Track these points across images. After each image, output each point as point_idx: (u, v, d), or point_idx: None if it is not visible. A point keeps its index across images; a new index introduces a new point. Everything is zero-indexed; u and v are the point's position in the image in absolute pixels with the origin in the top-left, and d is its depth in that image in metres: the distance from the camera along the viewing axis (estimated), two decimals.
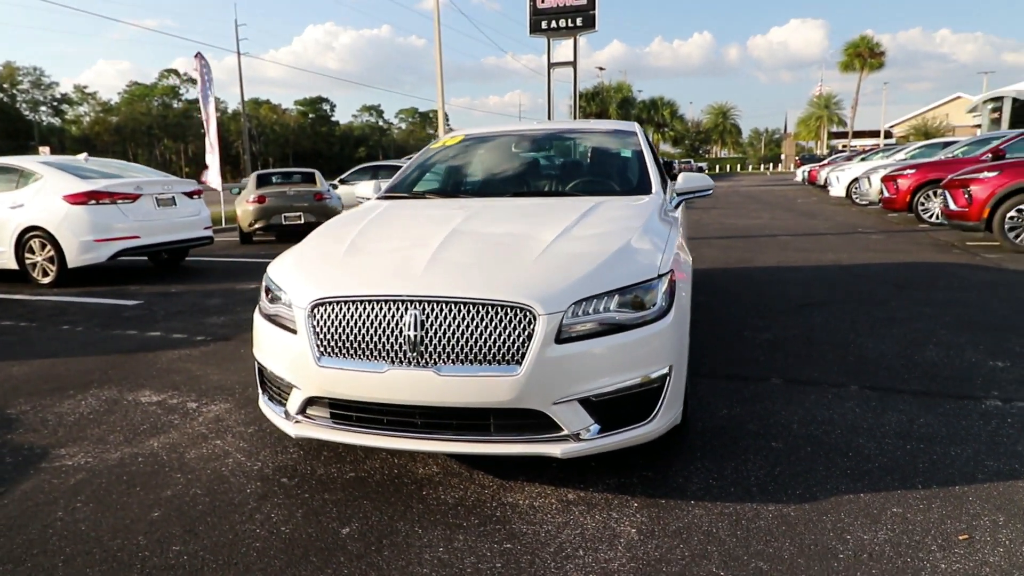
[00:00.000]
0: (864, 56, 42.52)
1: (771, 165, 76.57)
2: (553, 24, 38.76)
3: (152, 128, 73.39)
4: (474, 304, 2.31)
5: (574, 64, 39.57)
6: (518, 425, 2.36)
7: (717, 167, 74.74)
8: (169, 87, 79.65)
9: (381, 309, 2.38)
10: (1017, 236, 7.98)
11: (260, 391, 2.89)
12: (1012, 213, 7.97)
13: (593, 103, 41.02)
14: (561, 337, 2.29)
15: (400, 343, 2.34)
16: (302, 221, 11.70)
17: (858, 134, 58.48)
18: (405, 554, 2.18)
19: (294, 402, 2.59)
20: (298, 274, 2.70)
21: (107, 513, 2.49)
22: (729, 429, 3.06)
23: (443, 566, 2.11)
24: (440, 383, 2.30)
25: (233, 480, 2.72)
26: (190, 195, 8.59)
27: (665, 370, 2.46)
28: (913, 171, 11.84)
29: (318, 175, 12.99)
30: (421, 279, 2.42)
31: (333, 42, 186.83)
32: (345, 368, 2.40)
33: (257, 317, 2.83)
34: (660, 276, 2.51)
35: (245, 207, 11.79)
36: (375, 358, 2.37)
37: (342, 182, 15.35)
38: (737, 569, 2.05)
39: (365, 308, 2.40)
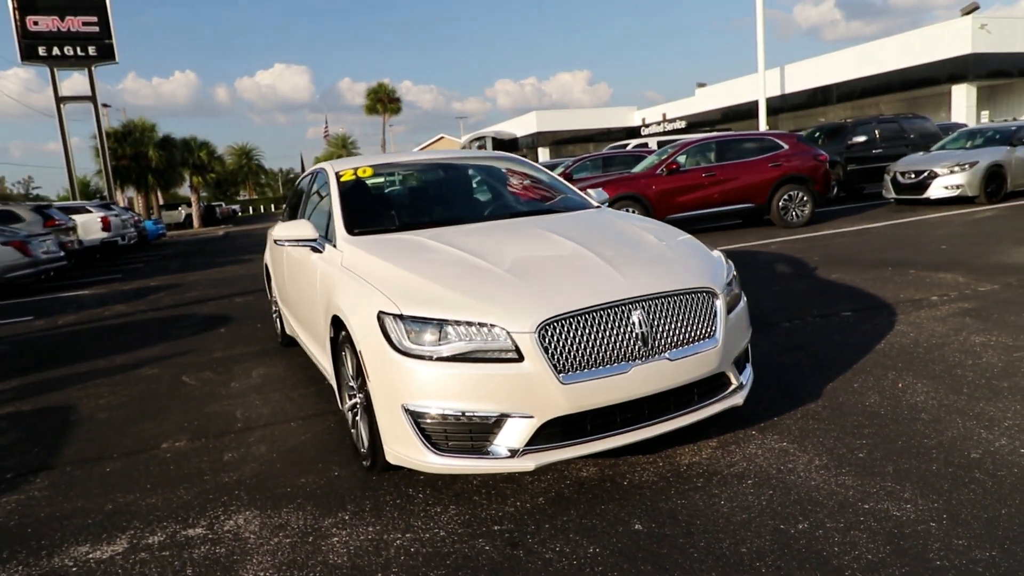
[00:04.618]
0: (384, 101, 48.50)
1: None
2: (56, 52, 32.63)
3: None
4: (679, 294, 2.73)
5: (94, 99, 34.13)
6: (707, 390, 2.86)
7: (251, 208, 70.90)
8: None
9: (612, 315, 2.57)
10: None
11: (430, 451, 2.56)
12: None
13: (126, 143, 35.99)
14: (727, 310, 2.89)
15: (633, 340, 2.58)
16: None
17: None
18: (713, 516, 2.48)
19: (518, 434, 2.50)
20: (483, 302, 2.57)
21: None
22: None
23: (744, 510, 2.51)
24: (672, 368, 2.65)
25: (453, 549, 2.41)
26: None
27: (750, 329, 3.28)
28: None
29: None
30: (626, 282, 2.68)
31: None
32: (591, 378, 2.51)
33: (417, 365, 2.52)
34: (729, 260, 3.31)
35: None
36: (617, 360, 2.55)
37: None
38: (880, 433, 3.03)
39: (596, 317, 2.55)
